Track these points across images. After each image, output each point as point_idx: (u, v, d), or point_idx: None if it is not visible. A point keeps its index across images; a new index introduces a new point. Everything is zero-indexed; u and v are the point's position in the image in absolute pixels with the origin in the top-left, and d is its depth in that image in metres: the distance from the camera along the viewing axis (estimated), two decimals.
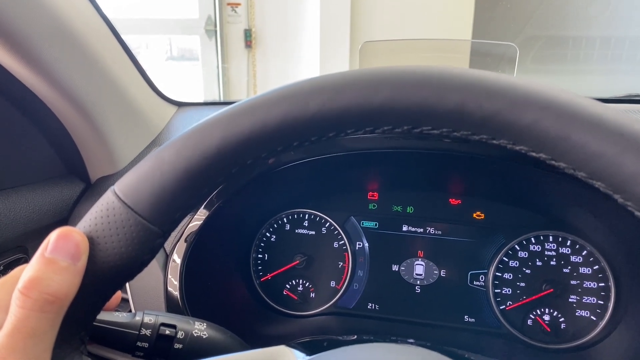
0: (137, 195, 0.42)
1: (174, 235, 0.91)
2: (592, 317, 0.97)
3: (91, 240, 0.42)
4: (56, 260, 0.39)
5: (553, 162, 0.36)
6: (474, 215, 1.04)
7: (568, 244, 0.99)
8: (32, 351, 0.37)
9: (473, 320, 1.03)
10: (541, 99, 0.35)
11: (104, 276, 0.42)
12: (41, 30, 0.80)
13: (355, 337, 0.58)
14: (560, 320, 0.98)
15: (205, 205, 0.91)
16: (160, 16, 4.60)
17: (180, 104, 1.28)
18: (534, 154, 0.37)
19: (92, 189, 1.06)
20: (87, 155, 1.04)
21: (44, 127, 0.98)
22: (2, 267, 0.90)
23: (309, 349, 0.51)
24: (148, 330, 0.58)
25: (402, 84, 0.38)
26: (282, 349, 0.51)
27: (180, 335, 0.59)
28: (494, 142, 0.38)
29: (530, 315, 1.00)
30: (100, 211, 0.43)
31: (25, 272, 0.39)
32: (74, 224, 0.44)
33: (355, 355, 0.45)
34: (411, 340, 0.72)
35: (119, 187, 0.43)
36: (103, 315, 0.57)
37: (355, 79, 0.39)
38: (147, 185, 0.42)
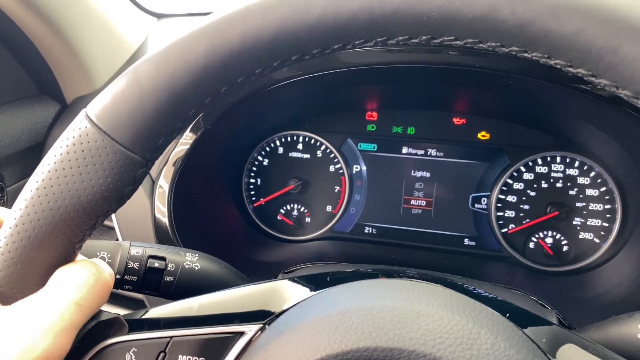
0: (114, 119, 0.36)
1: (159, 159, 0.85)
2: (595, 239, 0.94)
3: (63, 172, 0.37)
4: None
5: (593, 79, 0.31)
6: (479, 135, 0.98)
7: (576, 165, 0.94)
8: None
9: (473, 244, 1.00)
10: (585, 3, 0.29)
11: (80, 212, 0.37)
12: None
13: (355, 269, 0.54)
14: (563, 243, 0.96)
15: (191, 129, 0.84)
16: None
17: (160, 16, 1.17)
18: (571, 69, 0.31)
19: (68, 110, 0.98)
20: (60, 73, 0.95)
21: (7, 41, 0.88)
22: None
23: (312, 283, 0.47)
24: (136, 263, 0.55)
25: None
26: (283, 284, 0.46)
27: (170, 267, 0.55)
28: (526, 55, 0.32)
29: (533, 239, 0.97)
30: (73, 138, 0.37)
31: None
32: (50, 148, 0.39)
33: (362, 291, 0.40)
34: (413, 271, 0.68)
35: (93, 109, 0.37)
36: (86, 248, 0.53)
37: None
38: (125, 106, 0.36)
